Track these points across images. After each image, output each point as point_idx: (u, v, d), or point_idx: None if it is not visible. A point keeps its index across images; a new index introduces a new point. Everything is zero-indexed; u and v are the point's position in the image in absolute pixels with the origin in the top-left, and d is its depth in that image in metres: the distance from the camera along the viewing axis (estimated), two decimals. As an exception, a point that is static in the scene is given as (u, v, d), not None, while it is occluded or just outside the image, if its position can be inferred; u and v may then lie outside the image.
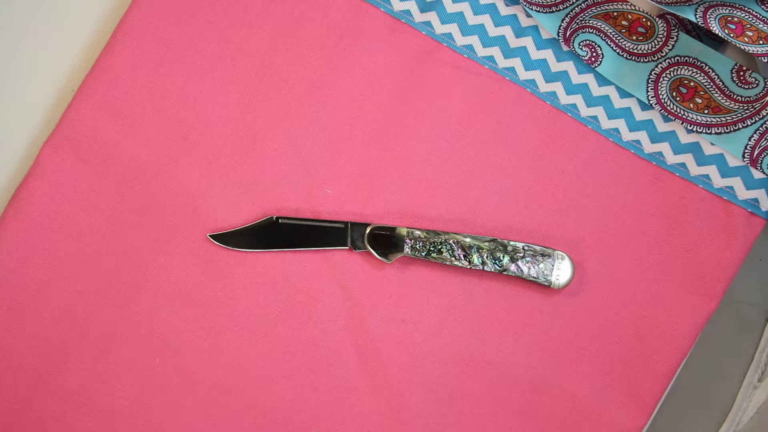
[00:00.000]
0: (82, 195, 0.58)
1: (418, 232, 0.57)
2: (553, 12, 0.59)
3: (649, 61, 0.58)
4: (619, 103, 0.59)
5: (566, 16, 0.59)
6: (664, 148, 0.58)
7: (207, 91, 0.59)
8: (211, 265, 0.58)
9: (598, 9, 0.59)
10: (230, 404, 0.57)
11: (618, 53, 0.59)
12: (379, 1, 0.59)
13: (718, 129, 0.57)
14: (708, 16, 0.56)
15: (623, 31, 0.59)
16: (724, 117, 0.57)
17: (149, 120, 0.59)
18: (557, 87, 0.59)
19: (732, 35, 0.56)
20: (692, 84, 0.58)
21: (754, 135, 0.57)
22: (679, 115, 0.58)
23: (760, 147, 0.57)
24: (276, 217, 0.58)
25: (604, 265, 0.58)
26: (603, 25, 0.59)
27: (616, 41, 0.59)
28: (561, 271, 0.57)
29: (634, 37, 0.58)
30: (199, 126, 0.59)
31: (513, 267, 0.57)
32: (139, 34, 0.59)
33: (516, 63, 0.59)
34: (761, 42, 0.56)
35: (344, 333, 0.58)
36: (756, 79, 0.57)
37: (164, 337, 0.57)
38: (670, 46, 0.58)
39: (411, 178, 0.58)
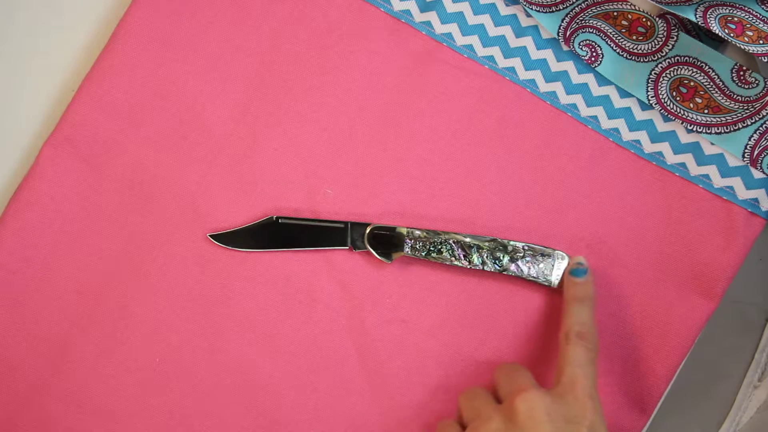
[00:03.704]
0: (82, 195, 0.58)
1: (418, 232, 0.57)
2: (553, 12, 0.59)
3: (649, 60, 0.58)
4: (619, 102, 0.59)
5: (566, 15, 0.59)
6: (664, 147, 0.58)
7: (207, 91, 0.59)
8: (211, 265, 0.58)
9: (598, 9, 0.59)
10: (230, 404, 0.57)
11: (618, 53, 0.59)
12: (379, 1, 0.59)
13: (718, 129, 0.58)
14: (708, 16, 0.56)
15: (623, 30, 0.59)
16: (724, 117, 0.57)
17: (149, 120, 0.59)
18: (557, 87, 0.59)
19: (732, 35, 0.56)
20: (692, 84, 0.58)
21: (754, 135, 0.57)
22: (679, 114, 0.58)
23: (760, 147, 0.57)
24: (276, 217, 0.58)
25: (604, 265, 0.58)
26: (603, 25, 0.59)
27: (616, 41, 0.59)
28: (561, 271, 0.57)
29: (634, 37, 0.58)
30: (199, 126, 0.59)
31: (513, 267, 0.57)
32: (139, 34, 0.59)
33: (516, 63, 0.59)
34: (761, 42, 0.56)
35: (344, 333, 0.58)
36: (756, 79, 0.57)
37: (164, 337, 0.57)
38: (670, 46, 0.58)
39: (411, 178, 0.58)
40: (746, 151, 0.57)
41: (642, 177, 0.58)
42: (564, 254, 0.57)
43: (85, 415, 0.57)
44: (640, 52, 0.58)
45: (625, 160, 0.58)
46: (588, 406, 0.50)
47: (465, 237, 0.57)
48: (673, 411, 0.59)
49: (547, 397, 0.50)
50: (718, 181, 0.58)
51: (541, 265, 0.57)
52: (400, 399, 0.57)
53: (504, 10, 0.59)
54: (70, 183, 0.58)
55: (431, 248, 0.57)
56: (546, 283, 0.57)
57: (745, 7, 0.57)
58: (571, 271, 0.56)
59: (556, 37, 0.59)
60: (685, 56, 0.58)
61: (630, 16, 0.58)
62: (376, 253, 0.57)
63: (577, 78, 0.59)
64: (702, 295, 0.57)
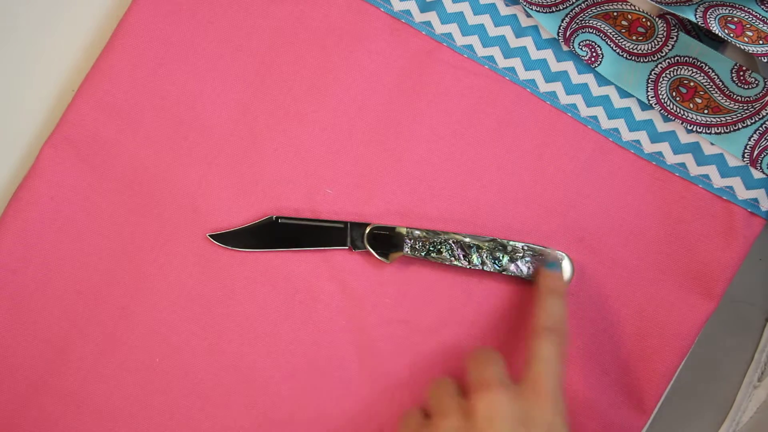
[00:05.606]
0: (82, 195, 0.58)
1: (417, 232, 0.57)
2: (553, 12, 0.59)
3: (648, 61, 0.58)
4: (619, 103, 0.59)
5: (566, 16, 0.59)
6: (664, 148, 0.58)
7: (207, 91, 0.59)
8: (211, 265, 0.58)
9: (598, 9, 0.59)
10: (230, 404, 0.57)
11: (618, 53, 0.59)
12: (379, 1, 0.59)
13: (717, 129, 0.58)
14: (708, 16, 0.56)
15: (623, 31, 0.59)
16: (723, 117, 0.57)
17: (149, 120, 0.59)
18: (557, 87, 0.59)
19: (732, 35, 0.56)
20: (692, 84, 0.58)
21: (754, 135, 0.57)
22: (679, 115, 0.58)
23: (759, 147, 0.57)
24: (276, 217, 0.58)
25: (604, 265, 0.58)
26: (603, 25, 0.59)
27: (616, 41, 0.59)
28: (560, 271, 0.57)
29: (634, 37, 0.59)
30: (199, 126, 0.59)
31: (513, 267, 0.57)
32: (139, 34, 0.59)
33: (516, 63, 0.59)
34: (761, 42, 0.56)
35: (344, 333, 0.58)
36: (756, 79, 0.57)
37: (164, 337, 0.57)
38: (670, 46, 0.58)
39: (411, 178, 0.58)
40: (746, 151, 0.57)
41: (642, 177, 0.58)
42: (564, 254, 0.57)
43: (85, 415, 0.57)
44: (640, 52, 0.58)
45: (625, 160, 0.58)
46: (549, 406, 0.49)
47: (465, 237, 0.57)
48: (673, 411, 0.59)
49: (508, 396, 0.50)
50: (718, 181, 0.58)
51: (541, 265, 0.57)
52: (400, 398, 0.57)
53: (504, 11, 0.59)
54: (70, 183, 0.58)
55: (431, 248, 0.57)
56: (546, 283, 0.57)
57: (744, 7, 0.57)
58: (548, 264, 0.56)
59: (556, 37, 0.59)
60: (684, 56, 0.58)
61: (630, 17, 0.59)
62: (376, 253, 0.57)
63: (577, 78, 0.59)
64: (702, 295, 0.57)
